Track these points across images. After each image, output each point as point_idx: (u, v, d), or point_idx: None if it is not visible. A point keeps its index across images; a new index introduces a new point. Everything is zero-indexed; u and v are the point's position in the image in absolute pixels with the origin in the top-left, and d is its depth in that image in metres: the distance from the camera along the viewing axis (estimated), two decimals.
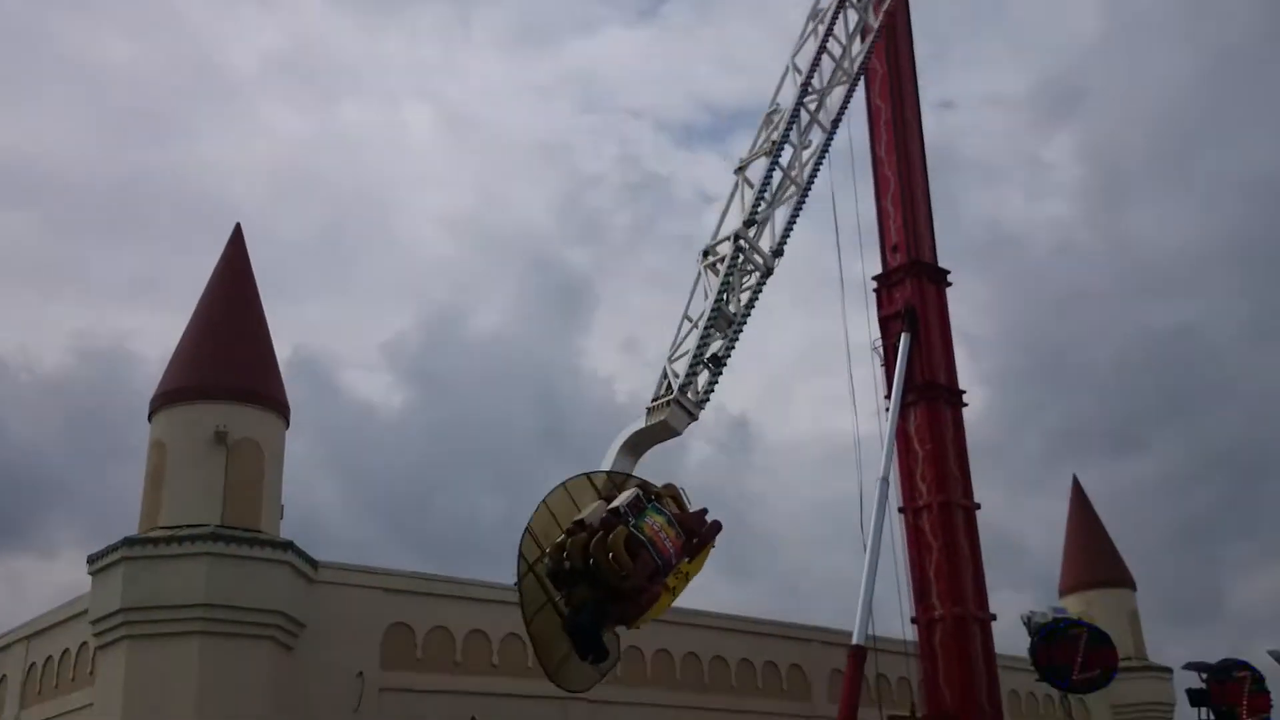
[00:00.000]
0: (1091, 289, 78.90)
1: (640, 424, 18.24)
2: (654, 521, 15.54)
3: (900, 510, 25.15)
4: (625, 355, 75.71)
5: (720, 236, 20.83)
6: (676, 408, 18.22)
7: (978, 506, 25.56)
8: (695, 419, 18.52)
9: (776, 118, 23.11)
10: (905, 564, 24.78)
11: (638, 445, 18.09)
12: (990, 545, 25.32)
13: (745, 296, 20.20)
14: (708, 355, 19.10)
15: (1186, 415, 76.47)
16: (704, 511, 16.67)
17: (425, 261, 79.32)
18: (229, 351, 21.93)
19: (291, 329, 72.30)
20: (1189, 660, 29.69)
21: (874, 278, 27.37)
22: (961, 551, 24.56)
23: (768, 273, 20.63)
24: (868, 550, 22.57)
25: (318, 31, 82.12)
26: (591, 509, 15.86)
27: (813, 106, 23.50)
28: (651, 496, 16.19)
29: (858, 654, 21.03)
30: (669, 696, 26.85)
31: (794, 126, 22.72)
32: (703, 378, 18.93)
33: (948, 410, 25.83)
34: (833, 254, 26.25)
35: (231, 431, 21.01)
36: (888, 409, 25.11)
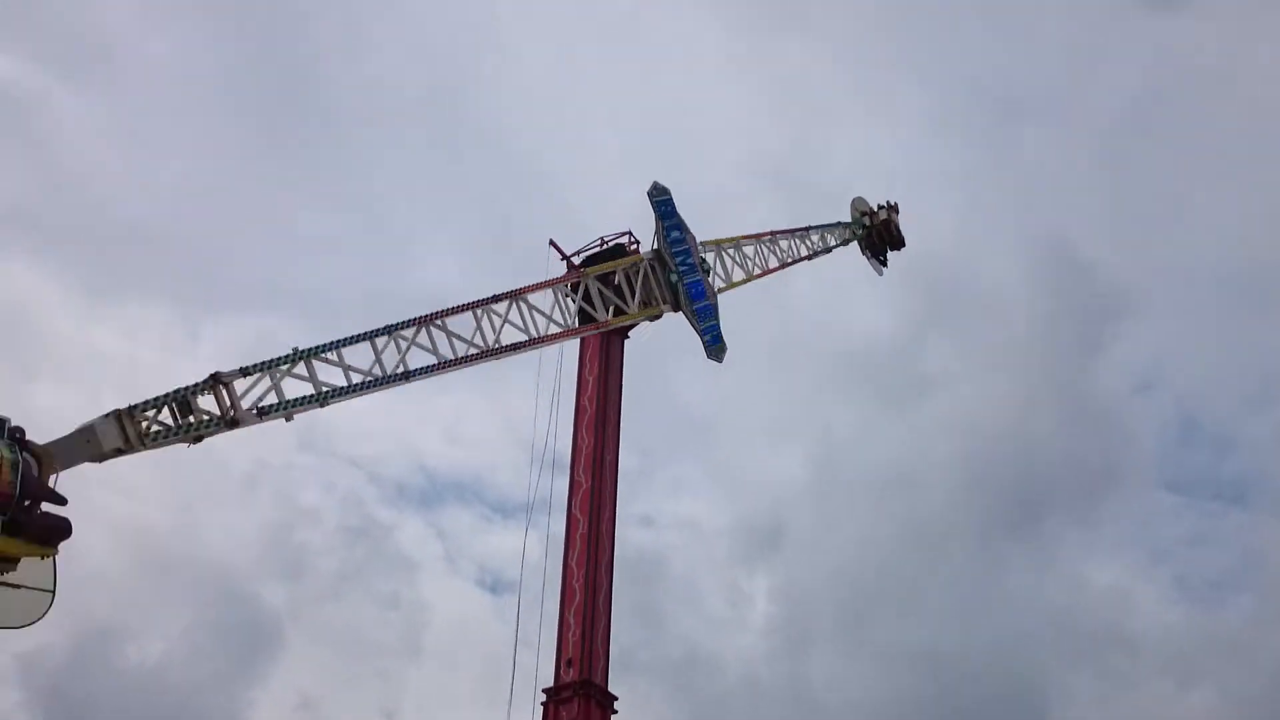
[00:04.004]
0: None
1: None
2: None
3: None
4: (298, 716, 70.00)
5: None
6: None
7: None
8: None
9: None
10: None
11: None
12: None
13: None
14: None
15: None
16: (61, 500, 16.34)
17: (86, 570, 72.29)
18: None
19: None
20: None
21: (545, 690, 27.03)
22: None
23: None
24: None
25: (30, 301, 78.49)
26: None
27: None
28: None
29: None
30: None
31: None
32: None
33: None
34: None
35: None
36: None
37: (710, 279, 31.08)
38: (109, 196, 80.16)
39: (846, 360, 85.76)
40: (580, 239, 32.02)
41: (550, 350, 29.41)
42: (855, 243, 39.21)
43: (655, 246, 29.24)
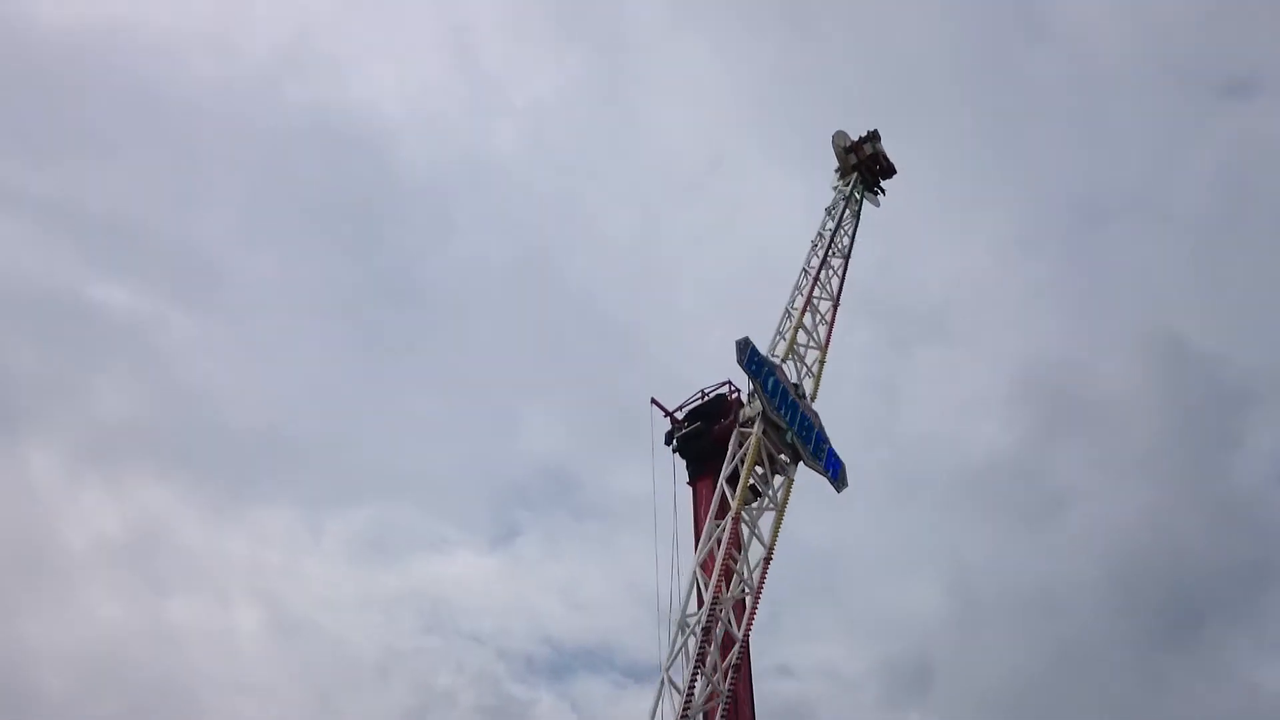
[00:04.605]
0: None
1: None
2: None
3: None
4: None
5: None
6: None
7: None
8: None
9: None
10: None
11: None
12: None
13: None
14: None
15: None
16: None
17: None
18: None
19: None
20: None
21: None
22: None
23: None
24: None
25: (159, 519, 78.70)
26: None
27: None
28: None
29: None
30: None
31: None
32: None
33: None
34: None
35: None
36: None
37: (806, 396, 31.53)
38: (225, 407, 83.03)
39: (969, 481, 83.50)
40: (681, 391, 32.52)
41: (665, 504, 30.20)
42: (863, 200, 38.67)
43: (760, 410, 29.99)
